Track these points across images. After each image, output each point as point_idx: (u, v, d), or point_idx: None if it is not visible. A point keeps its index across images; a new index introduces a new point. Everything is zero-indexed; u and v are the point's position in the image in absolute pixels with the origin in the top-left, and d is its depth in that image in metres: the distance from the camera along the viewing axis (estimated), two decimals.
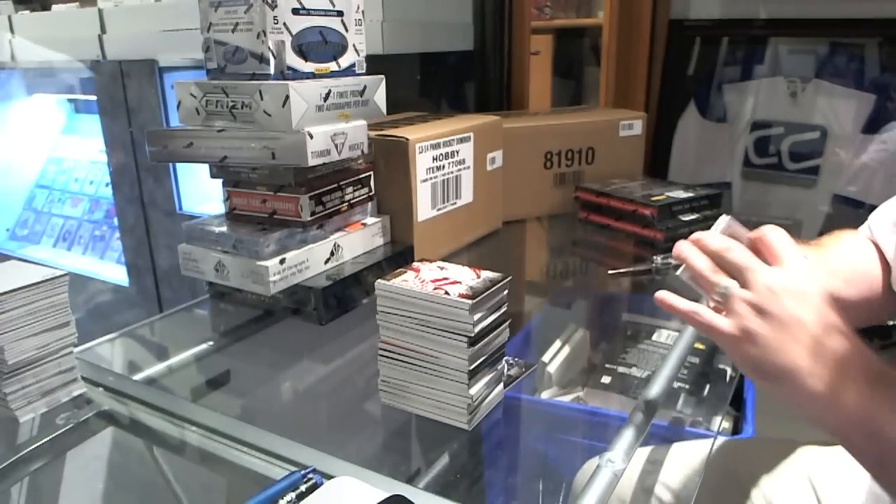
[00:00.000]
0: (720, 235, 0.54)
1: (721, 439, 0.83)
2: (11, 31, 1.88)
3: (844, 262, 0.68)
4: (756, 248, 0.53)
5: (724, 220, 0.56)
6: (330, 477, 0.50)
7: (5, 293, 0.58)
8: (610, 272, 1.06)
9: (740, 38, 1.54)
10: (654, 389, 0.62)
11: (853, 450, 0.49)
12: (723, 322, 0.51)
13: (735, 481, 0.77)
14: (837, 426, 0.48)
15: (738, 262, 0.51)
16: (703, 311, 0.52)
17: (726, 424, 1.05)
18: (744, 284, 0.51)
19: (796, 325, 0.48)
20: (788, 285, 0.49)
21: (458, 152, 1.06)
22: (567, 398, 0.93)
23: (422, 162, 0.98)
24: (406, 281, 0.60)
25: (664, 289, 0.56)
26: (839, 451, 0.78)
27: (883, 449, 0.46)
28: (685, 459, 0.73)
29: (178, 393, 0.74)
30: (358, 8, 0.87)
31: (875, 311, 0.68)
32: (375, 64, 0.91)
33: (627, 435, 0.55)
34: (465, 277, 0.61)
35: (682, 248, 0.55)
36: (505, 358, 0.65)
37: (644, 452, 0.68)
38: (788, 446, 0.81)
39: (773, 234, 0.52)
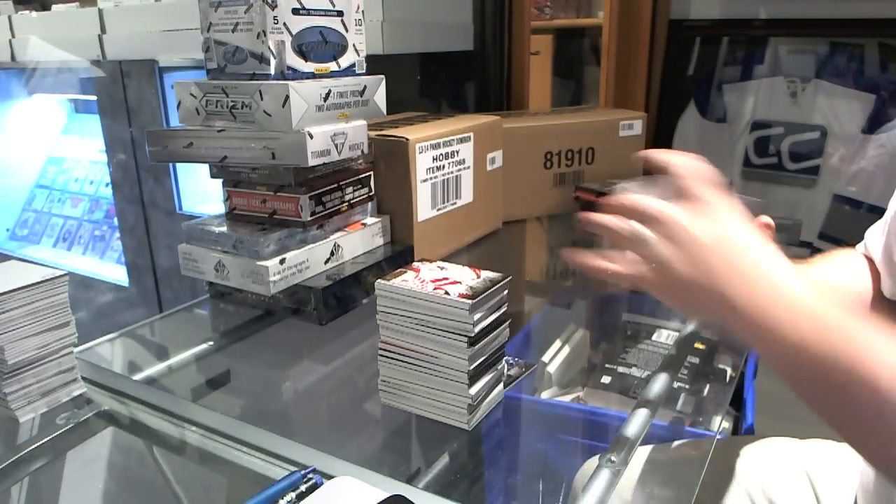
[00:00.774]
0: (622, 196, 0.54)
1: (721, 438, 0.83)
2: (11, 31, 1.88)
3: (836, 276, 0.70)
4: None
5: (621, 187, 0.55)
6: (330, 477, 0.50)
7: (5, 293, 0.58)
8: None
9: (740, 38, 1.54)
10: (654, 389, 0.62)
11: (765, 360, 0.50)
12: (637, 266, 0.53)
13: (735, 478, 0.77)
14: (746, 334, 0.49)
15: (644, 210, 0.52)
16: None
17: (726, 424, 1.06)
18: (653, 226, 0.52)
19: (701, 247, 0.49)
20: (697, 218, 0.50)
21: (458, 152, 1.06)
22: (567, 398, 0.93)
23: (422, 162, 0.98)
24: (406, 281, 0.60)
25: None
26: (836, 446, 0.79)
27: (786, 353, 0.47)
28: (685, 458, 0.74)
29: (178, 393, 0.74)
30: (358, 8, 0.87)
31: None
32: (375, 64, 0.91)
33: (627, 435, 0.55)
34: (465, 277, 0.61)
35: (588, 217, 0.55)
36: (505, 358, 0.65)
37: (644, 452, 0.68)
38: (787, 443, 0.82)
39: (689, 179, 0.52)
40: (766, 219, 0.60)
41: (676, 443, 0.73)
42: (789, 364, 0.47)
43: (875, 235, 0.70)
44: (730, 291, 0.48)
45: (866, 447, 0.48)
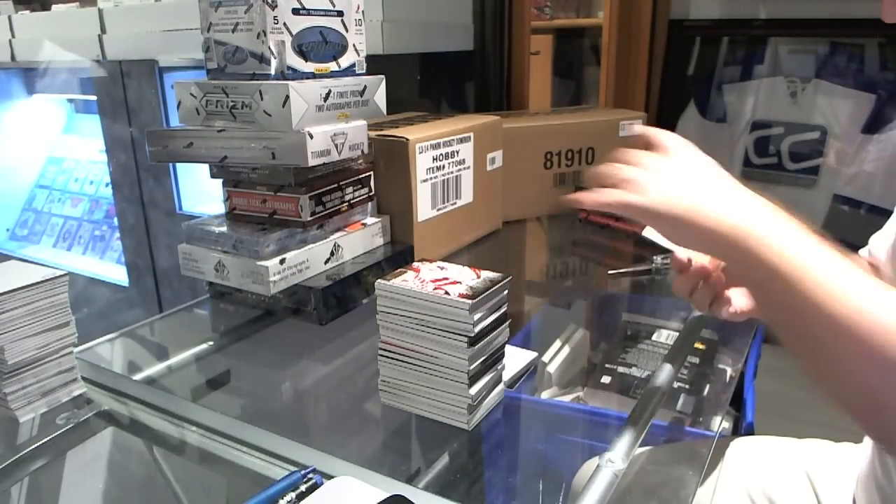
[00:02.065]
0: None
1: (721, 438, 0.83)
2: (11, 31, 1.88)
3: None
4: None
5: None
6: (330, 477, 0.50)
7: (5, 293, 0.58)
8: (610, 272, 1.06)
9: (740, 38, 1.54)
10: (660, 379, 0.62)
11: (735, 272, 0.54)
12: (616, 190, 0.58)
13: (735, 477, 0.77)
14: (717, 248, 0.53)
15: (627, 160, 0.58)
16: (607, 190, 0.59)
17: (726, 424, 1.05)
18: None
19: (680, 173, 0.55)
20: (669, 159, 0.56)
21: (458, 152, 1.06)
22: (567, 398, 0.93)
23: (422, 162, 0.98)
24: (406, 281, 0.60)
25: (666, 289, 0.59)
26: (835, 446, 0.79)
27: (756, 271, 0.50)
28: (685, 458, 0.74)
29: (178, 393, 0.74)
30: (358, 8, 0.87)
31: None
32: (375, 64, 0.91)
33: (627, 435, 0.55)
34: (465, 277, 0.61)
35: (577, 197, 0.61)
36: (505, 358, 0.65)
37: (644, 452, 0.68)
38: (786, 442, 0.82)
39: (661, 134, 0.58)
40: None
41: (676, 443, 0.72)
42: (754, 267, 0.51)
43: (880, 239, 0.70)
44: (703, 204, 0.52)
45: (831, 381, 0.48)
